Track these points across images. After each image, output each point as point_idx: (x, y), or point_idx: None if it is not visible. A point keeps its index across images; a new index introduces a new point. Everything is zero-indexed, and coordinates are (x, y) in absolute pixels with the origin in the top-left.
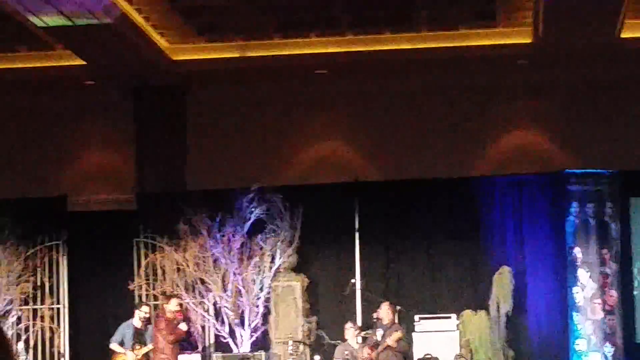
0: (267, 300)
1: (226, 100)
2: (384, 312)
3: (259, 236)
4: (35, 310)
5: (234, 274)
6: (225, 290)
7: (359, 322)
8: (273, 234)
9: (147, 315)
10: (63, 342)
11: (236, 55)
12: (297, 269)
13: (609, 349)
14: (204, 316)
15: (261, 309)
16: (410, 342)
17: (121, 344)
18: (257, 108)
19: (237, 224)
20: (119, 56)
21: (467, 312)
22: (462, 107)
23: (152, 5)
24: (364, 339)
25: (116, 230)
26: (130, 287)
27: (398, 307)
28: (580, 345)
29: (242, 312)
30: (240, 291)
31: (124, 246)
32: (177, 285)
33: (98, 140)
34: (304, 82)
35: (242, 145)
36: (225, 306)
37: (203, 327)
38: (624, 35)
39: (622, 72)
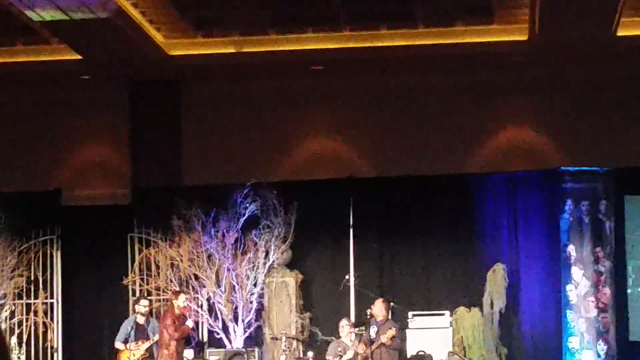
0: (261, 296)
1: (222, 96)
2: (378, 308)
3: (253, 232)
4: (28, 305)
5: (228, 269)
6: (219, 286)
7: (353, 319)
8: (267, 230)
9: (147, 309)
10: (56, 336)
11: (232, 50)
12: (291, 265)
13: (602, 347)
14: (197, 312)
15: (255, 305)
16: (403, 339)
17: (125, 341)
18: (253, 103)
19: (231, 219)
20: (115, 51)
21: (461, 309)
22: (458, 104)
23: (149, 0)
24: (358, 335)
25: (110, 225)
26: (124, 282)
27: (392, 304)
28: (573, 343)
29: (236, 307)
30: (234, 287)
31: (118, 241)
32: (171, 281)
33: (93, 134)
34: (299, 78)
35: (237, 141)
36: (218, 302)
37: (197, 323)
38: (620, 33)
39: (618, 69)
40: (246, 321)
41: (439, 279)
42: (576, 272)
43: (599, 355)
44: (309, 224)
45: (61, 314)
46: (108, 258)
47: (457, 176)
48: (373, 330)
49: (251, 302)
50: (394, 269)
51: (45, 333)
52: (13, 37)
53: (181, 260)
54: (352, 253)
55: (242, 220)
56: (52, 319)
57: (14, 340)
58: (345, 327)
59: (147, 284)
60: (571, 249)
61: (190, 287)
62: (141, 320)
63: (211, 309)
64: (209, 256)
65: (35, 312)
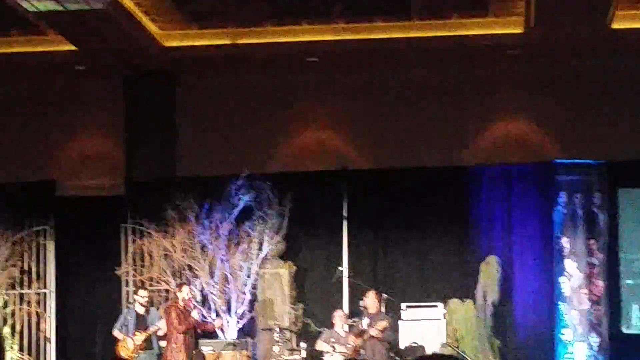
0: (254, 287)
1: (216, 87)
2: (370, 300)
3: (247, 223)
4: (22, 295)
5: (222, 260)
6: (212, 277)
7: (346, 310)
8: (261, 221)
9: (147, 300)
10: (49, 326)
11: (227, 42)
12: (284, 256)
13: (594, 339)
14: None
15: (248, 296)
16: (396, 331)
17: (122, 331)
18: (248, 95)
19: (225, 210)
20: (110, 42)
21: (454, 301)
22: (452, 96)
23: None
24: (350, 326)
25: (104, 216)
26: (118, 272)
27: (385, 296)
28: (566, 334)
29: (229, 298)
30: (227, 278)
31: (111, 232)
32: (165, 271)
33: (88, 125)
34: (295, 70)
35: (232, 132)
36: (212, 293)
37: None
38: (615, 26)
39: (613, 63)
40: (239, 312)
41: (433, 271)
42: (569, 264)
43: (591, 347)
44: (303, 215)
45: (54, 304)
46: (102, 249)
47: (451, 168)
48: (365, 322)
49: (244, 293)
50: (388, 261)
51: (38, 323)
52: (8, 28)
53: (175, 251)
54: (345, 244)
55: (236, 211)
56: (45, 309)
57: (7, 329)
58: (338, 318)
59: (141, 275)
60: (565, 241)
61: (184, 278)
62: (141, 310)
63: (204, 300)
64: (203, 247)
65: (29, 302)
